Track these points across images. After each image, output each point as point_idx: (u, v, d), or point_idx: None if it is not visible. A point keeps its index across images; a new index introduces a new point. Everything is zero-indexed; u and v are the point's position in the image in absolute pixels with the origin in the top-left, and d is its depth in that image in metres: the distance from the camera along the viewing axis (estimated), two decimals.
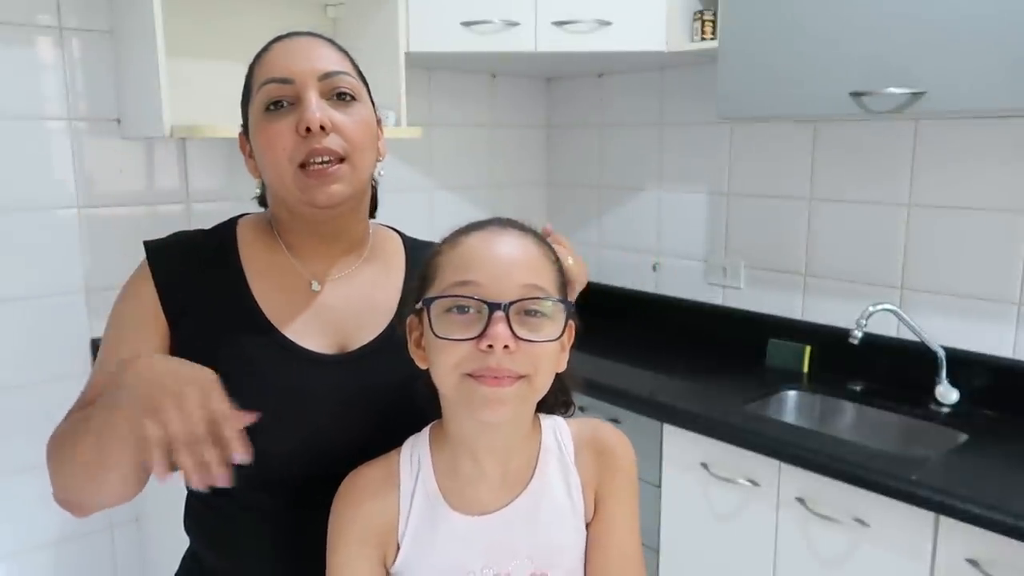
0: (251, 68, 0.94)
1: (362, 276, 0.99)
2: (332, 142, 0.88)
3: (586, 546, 0.84)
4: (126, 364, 0.76)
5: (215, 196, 2.00)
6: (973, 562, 1.35)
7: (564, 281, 0.81)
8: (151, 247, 0.95)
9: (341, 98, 0.91)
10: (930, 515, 1.40)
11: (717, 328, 2.31)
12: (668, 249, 2.46)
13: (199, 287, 0.92)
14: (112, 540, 1.94)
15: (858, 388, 1.95)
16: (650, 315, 2.48)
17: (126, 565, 1.96)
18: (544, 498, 0.82)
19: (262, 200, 1.02)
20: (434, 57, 2.11)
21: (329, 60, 0.91)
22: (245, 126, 0.96)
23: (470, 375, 0.74)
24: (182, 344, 0.90)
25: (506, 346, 0.72)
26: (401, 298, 0.97)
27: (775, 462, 1.61)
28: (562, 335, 0.77)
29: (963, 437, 1.67)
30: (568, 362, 0.83)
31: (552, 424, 0.86)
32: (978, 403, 1.81)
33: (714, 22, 1.97)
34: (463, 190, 2.54)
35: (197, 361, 0.87)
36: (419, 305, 0.79)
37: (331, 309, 0.95)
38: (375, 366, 0.93)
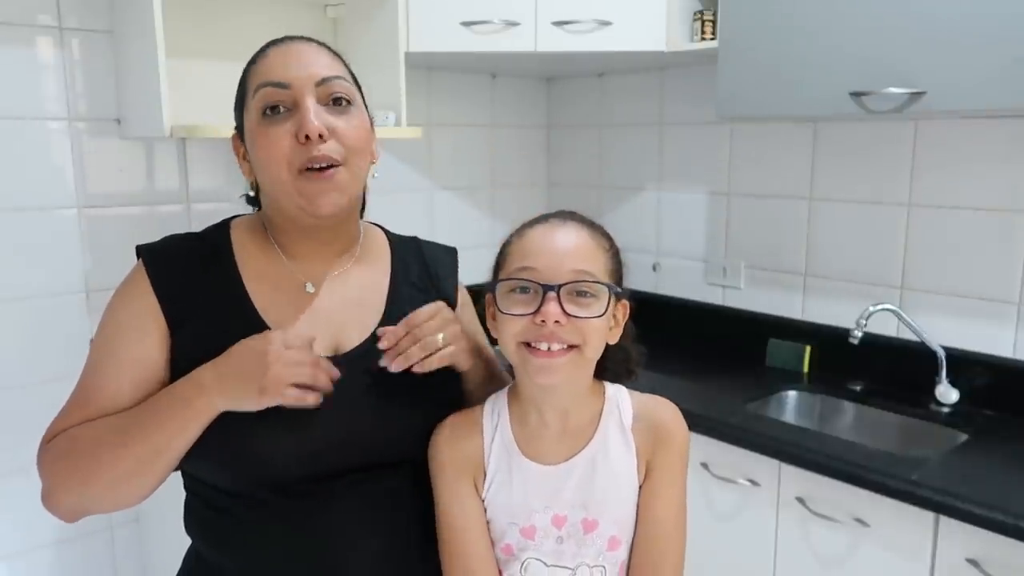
0: (246, 72, 0.95)
1: (353, 276, 1.01)
2: (330, 148, 0.90)
3: (637, 509, 0.94)
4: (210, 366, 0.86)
5: (215, 196, 2.00)
6: (973, 562, 1.35)
7: (618, 266, 0.93)
8: (147, 252, 0.94)
9: (337, 103, 0.92)
10: (930, 515, 1.40)
11: (717, 328, 2.31)
12: (668, 249, 2.46)
13: (198, 293, 0.93)
14: (112, 540, 1.94)
15: (858, 388, 1.95)
16: (650, 315, 2.47)
17: (126, 565, 1.96)
18: (602, 456, 0.92)
19: (252, 200, 1.03)
20: (434, 57, 2.11)
21: (324, 65, 0.93)
22: (239, 128, 0.97)
23: (527, 344, 0.87)
24: (182, 349, 0.91)
25: (557, 321, 0.85)
26: (389, 296, 1.01)
27: (775, 462, 1.61)
28: (606, 312, 0.88)
29: (963, 437, 1.68)
30: (631, 336, 0.97)
31: (616, 392, 0.97)
32: (978, 403, 1.81)
33: (714, 22, 1.97)
34: (463, 190, 2.54)
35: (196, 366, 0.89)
36: (490, 287, 0.92)
37: (325, 311, 0.97)
38: (369, 365, 0.94)
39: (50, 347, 1.76)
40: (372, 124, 1.00)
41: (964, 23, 1.47)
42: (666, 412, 0.97)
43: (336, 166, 0.90)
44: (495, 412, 0.95)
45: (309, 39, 0.96)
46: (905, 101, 1.56)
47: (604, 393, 0.96)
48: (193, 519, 0.97)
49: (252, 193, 1.01)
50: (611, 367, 0.97)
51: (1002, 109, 1.50)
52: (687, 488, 0.98)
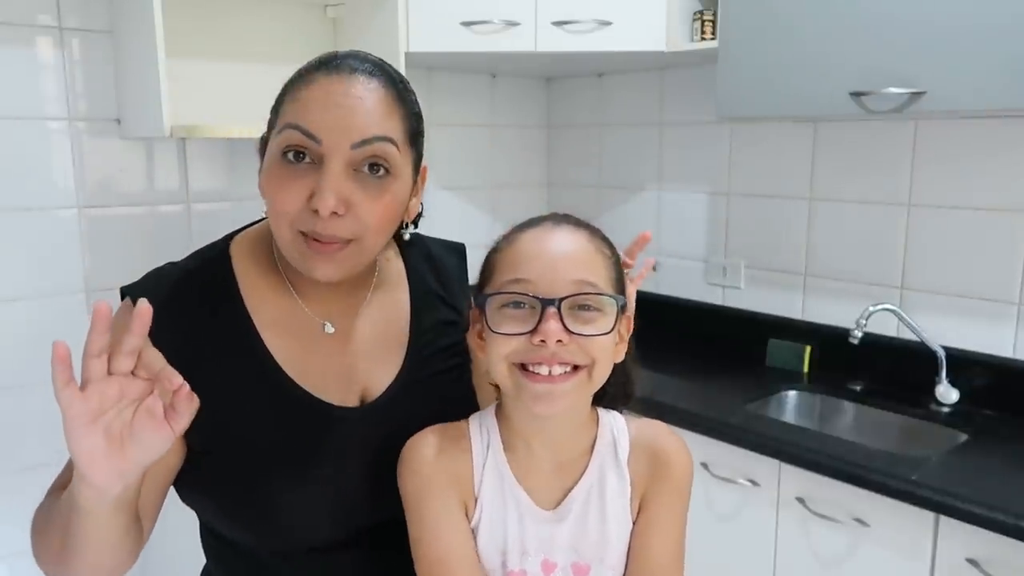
0: (287, 86, 0.83)
1: (373, 308, 0.92)
2: (341, 227, 0.78)
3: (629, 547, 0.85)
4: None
5: (215, 196, 2.00)
6: (973, 562, 1.35)
7: (620, 274, 0.83)
8: (137, 296, 0.77)
9: (373, 170, 0.80)
10: (930, 515, 1.40)
11: (717, 328, 2.31)
12: (668, 249, 2.45)
13: (204, 342, 0.83)
14: None
15: (858, 388, 1.95)
16: (650, 315, 2.47)
17: None
18: (596, 493, 0.83)
19: None
20: (434, 57, 2.10)
21: (372, 122, 0.79)
22: (268, 131, 0.85)
23: (523, 365, 0.76)
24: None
25: (559, 340, 0.74)
26: (412, 325, 0.93)
27: (775, 462, 1.61)
28: (613, 328, 0.78)
29: (963, 437, 1.68)
30: (631, 352, 0.86)
31: (611, 420, 0.87)
32: (978, 403, 1.81)
33: (714, 22, 1.97)
34: (463, 190, 2.54)
35: (212, 428, 0.81)
36: (477, 301, 0.81)
37: (348, 352, 0.89)
38: (399, 411, 0.88)
39: (50, 347, 1.75)
40: (420, 179, 0.90)
41: (964, 23, 1.47)
42: (667, 441, 0.87)
43: (344, 243, 0.80)
44: (483, 431, 0.84)
45: (370, 72, 0.81)
46: (905, 101, 1.56)
47: (598, 419, 0.86)
48: (208, 545, 0.93)
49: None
50: (610, 390, 0.86)
51: (1002, 109, 1.50)
52: (686, 529, 0.87)
